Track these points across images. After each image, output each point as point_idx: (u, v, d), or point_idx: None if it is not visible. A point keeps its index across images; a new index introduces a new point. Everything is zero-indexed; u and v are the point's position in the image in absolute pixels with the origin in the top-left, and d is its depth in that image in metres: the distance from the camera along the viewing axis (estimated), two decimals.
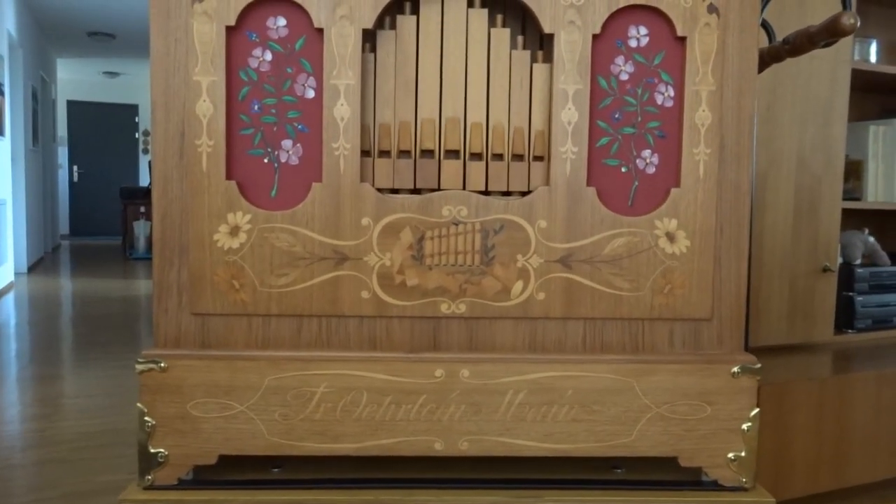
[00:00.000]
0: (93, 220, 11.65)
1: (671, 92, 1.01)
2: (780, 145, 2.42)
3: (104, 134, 11.88)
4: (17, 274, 7.31)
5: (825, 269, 2.52)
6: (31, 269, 7.94)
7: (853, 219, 2.83)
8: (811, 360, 2.47)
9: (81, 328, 5.15)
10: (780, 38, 1.29)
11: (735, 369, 1.00)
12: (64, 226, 11.49)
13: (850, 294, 2.70)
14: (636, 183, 1.02)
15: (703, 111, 0.99)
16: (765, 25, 1.37)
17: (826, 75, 2.48)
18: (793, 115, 2.44)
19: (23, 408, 3.39)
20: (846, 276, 2.70)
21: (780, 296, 2.48)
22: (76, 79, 11.61)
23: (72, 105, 11.83)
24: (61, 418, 3.21)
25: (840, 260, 2.69)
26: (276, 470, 1.05)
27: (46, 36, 9.11)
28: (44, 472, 2.61)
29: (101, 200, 11.54)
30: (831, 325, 2.57)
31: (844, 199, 2.58)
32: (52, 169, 10.10)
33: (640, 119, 1.01)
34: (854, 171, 2.81)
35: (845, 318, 2.69)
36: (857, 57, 2.67)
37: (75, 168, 11.89)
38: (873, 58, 2.74)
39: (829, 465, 2.27)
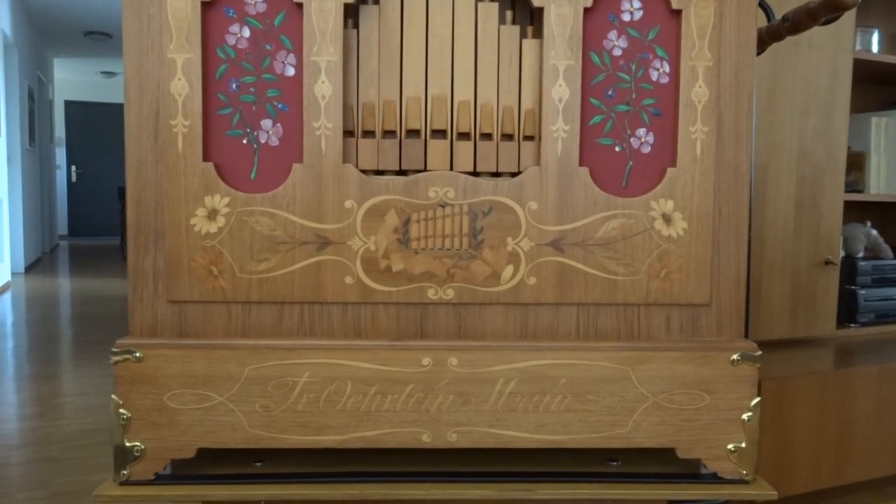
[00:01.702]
0: (91, 221, 11.62)
1: (666, 68, 0.97)
2: (780, 136, 2.39)
3: (102, 134, 11.84)
4: (13, 274, 7.28)
5: (827, 263, 2.49)
6: (29, 268, 7.91)
7: (855, 211, 2.79)
8: (813, 354, 2.44)
9: (78, 327, 5.12)
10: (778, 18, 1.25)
11: (735, 357, 0.97)
12: (62, 226, 11.46)
13: (853, 288, 2.66)
14: (630, 163, 0.98)
15: (700, 87, 0.96)
16: (763, 6, 1.33)
17: (827, 65, 2.44)
18: (794, 106, 2.40)
19: (18, 406, 3.36)
20: (848, 269, 2.67)
21: (782, 289, 2.45)
22: (73, 79, 11.59)
23: (69, 105, 11.81)
24: (56, 417, 3.18)
25: (842, 253, 2.65)
26: (258, 464, 1.01)
27: (42, 35, 9.08)
28: (35, 471, 2.58)
29: (100, 201, 11.50)
30: (833, 319, 2.54)
31: (846, 191, 2.54)
32: (49, 169, 10.07)
33: (634, 96, 0.97)
34: (856, 163, 2.77)
35: (847, 312, 2.66)
36: (858, 47, 2.64)
37: (73, 168, 11.86)
38: (875, 48, 2.70)
39: (830, 461, 2.23)
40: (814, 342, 2.55)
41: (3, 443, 2.87)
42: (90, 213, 11.65)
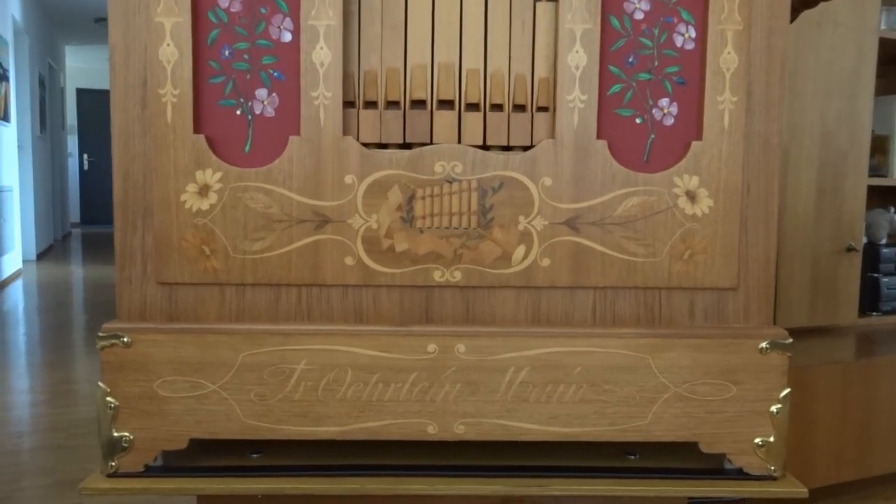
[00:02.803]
0: (104, 208, 11.61)
1: (692, 32, 0.91)
2: (802, 119, 2.31)
3: None
4: (25, 261, 7.29)
5: (849, 249, 2.42)
6: (40, 256, 7.92)
7: (878, 196, 2.72)
8: (834, 343, 2.39)
9: (90, 314, 5.12)
10: None
11: (763, 345, 0.91)
12: (75, 214, 11.49)
13: (876, 275, 2.60)
14: (652, 135, 0.92)
15: (729, 54, 0.89)
16: None
17: (851, 45, 2.36)
18: (816, 87, 2.32)
19: (28, 393, 3.35)
20: (871, 256, 2.60)
21: (802, 276, 2.38)
22: (85, 67, 11.58)
23: (81, 93, 11.80)
24: (65, 404, 3.17)
25: (864, 239, 2.58)
26: (254, 455, 0.96)
27: (53, 22, 9.07)
28: (39, 459, 2.56)
29: (112, 188, 11.49)
30: (855, 307, 2.48)
31: (870, 175, 2.47)
32: (61, 157, 10.09)
33: (656, 63, 0.91)
34: (880, 147, 2.69)
35: (870, 300, 2.60)
36: (883, 26, 2.54)
37: (85, 156, 11.87)
38: None
39: (852, 453, 2.18)
40: (835, 331, 2.49)
41: (13, 430, 2.86)
42: (102, 201, 11.64)
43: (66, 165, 10.67)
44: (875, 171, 2.64)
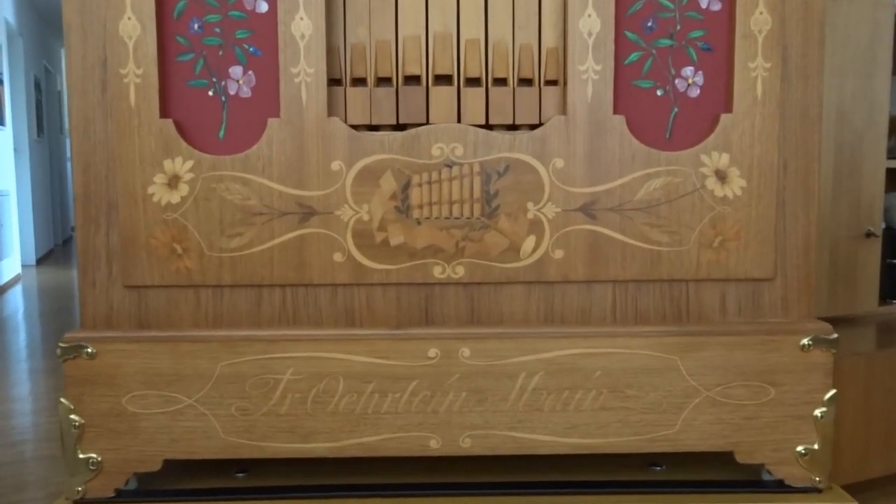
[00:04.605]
0: None
1: None
2: None
3: None
4: (24, 266, 7.25)
5: (868, 235, 2.35)
6: (40, 261, 7.88)
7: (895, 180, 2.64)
8: (855, 333, 2.31)
9: None
10: None
11: (805, 341, 0.84)
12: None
13: (895, 261, 2.51)
14: (676, 108, 0.85)
15: (761, 14, 0.82)
16: None
17: (866, 20, 2.28)
18: (831, 65, 2.23)
19: (25, 401, 3.29)
20: (891, 241, 2.52)
21: (820, 264, 2.30)
22: None
23: None
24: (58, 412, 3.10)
25: (883, 224, 2.50)
26: (240, 475, 0.89)
27: (48, 24, 9.02)
28: (34, 469, 2.49)
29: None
30: (875, 295, 2.41)
31: (888, 157, 2.38)
32: (60, 160, 10.05)
33: (679, 28, 0.84)
34: None
35: (890, 287, 2.52)
36: None
37: None
38: None
39: (880, 447, 2.10)
40: (855, 320, 2.42)
41: (14, 439, 2.80)
42: None
43: (65, 169, 10.63)
44: (892, 153, 2.55)
